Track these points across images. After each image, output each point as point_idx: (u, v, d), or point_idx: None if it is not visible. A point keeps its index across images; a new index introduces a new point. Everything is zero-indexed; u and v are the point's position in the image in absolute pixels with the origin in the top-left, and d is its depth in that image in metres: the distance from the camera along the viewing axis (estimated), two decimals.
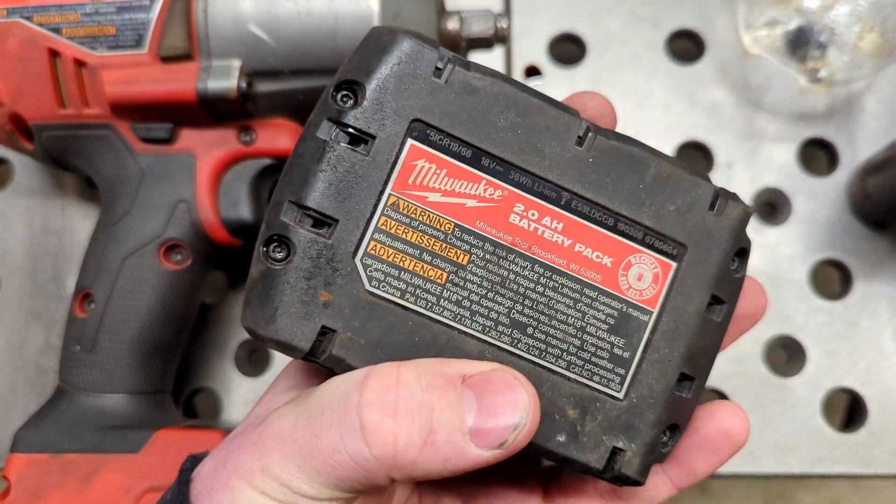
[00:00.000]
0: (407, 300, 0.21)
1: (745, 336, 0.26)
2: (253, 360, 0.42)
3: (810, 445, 0.37)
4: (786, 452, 0.37)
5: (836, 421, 0.39)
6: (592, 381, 0.22)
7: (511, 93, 0.22)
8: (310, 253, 0.21)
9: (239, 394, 0.40)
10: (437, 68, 0.21)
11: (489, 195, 0.22)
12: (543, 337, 0.22)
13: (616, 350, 0.22)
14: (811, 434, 0.37)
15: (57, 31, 0.34)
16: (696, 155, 0.42)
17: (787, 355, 0.40)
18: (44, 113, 0.35)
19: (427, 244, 0.21)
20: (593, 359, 0.22)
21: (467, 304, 0.22)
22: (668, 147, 0.41)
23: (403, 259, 0.21)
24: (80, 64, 0.34)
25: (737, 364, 0.38)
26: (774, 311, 0.39)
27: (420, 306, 0.21)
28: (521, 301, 0.22)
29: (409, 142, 0.21)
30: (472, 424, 0.19)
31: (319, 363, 0.21)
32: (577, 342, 0.22)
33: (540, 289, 0.22)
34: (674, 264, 0.23)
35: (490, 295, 0.22)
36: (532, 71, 0.43)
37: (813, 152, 0.42)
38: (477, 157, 0.22)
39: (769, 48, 0.41)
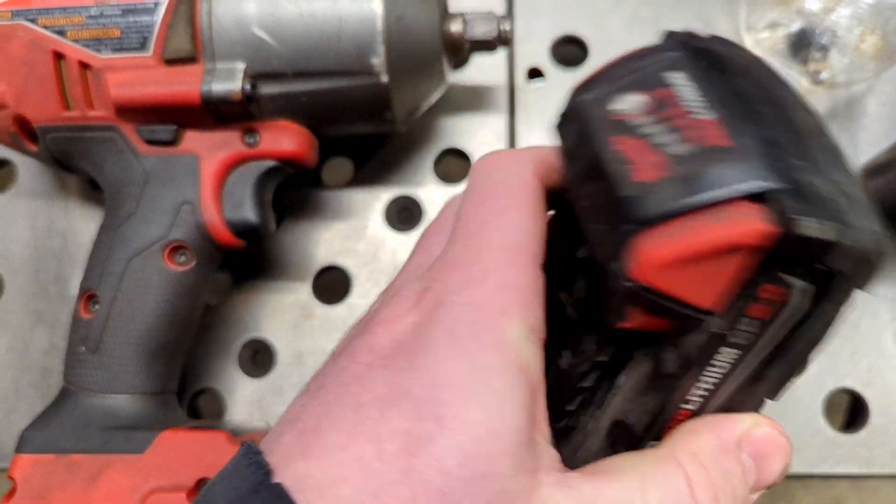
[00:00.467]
0: None
1: None
2: (256, 361, 0.42)
3: (812, 446, 0.37)
4: None
5: (838, 422, 0.39)
6: None
7: None
8: None
9: (242, 395, 0.40)
10: None
11: None
12: None
13: None
14: (813, 435, 0.37)
15: (62, 33, 0.34)
16: None
17: None
18: (48, 115, 0.35)
19: None
20: None
21: None
22: None
23: None
24: (84, 66, 0.34)
25: None
26: None
27: None
28: None
29: None
30: (753, 485, 0.20)
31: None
32: None
33: None
34: None
35: None
36: (534, 73, 0.43)
37: None
38: None
39: (771, 50, 0.41)
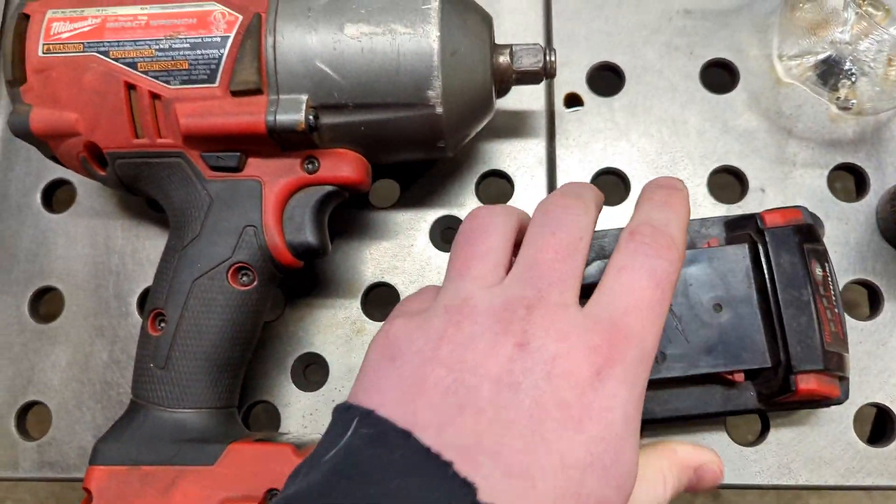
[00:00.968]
0: None
1: None
2: (308, 375, 0.44)
3: (844, 459, 0.39)
4: (820, 465, 0.39)
5: (866, 435, 0.41)
6: None
7: None
8: None
9: (296, 407, 0.42)
10: None
11: None
12: None
13: None
14: (844, 448, 0.39)
15: (133, 65, 0.36)
16: (730, 180, 0.44)
17: None
18: (119, 142, 0.37)
19: None
20: None
21: None
22: (702, 172, 0.43)
23: None
24: (154, 97, 0.36)
25: None
26: None
27: None
28: None
29: None
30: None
31: None
32: None
33: None
34: None
35: None
36: (573, 100, 0.45)
37: (843, 177, 0.44)
38: None
39: (801, 77, 0.43)
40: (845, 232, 0.42)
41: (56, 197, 0.47)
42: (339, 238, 0.44)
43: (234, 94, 0.35)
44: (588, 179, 0.44)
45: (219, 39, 0.36)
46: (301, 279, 0.43)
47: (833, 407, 0.39)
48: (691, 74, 0.45)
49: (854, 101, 0.42)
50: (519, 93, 0.44)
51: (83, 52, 0.36)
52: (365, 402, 0.25)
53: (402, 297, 0.43)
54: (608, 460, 0.22)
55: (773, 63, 0.44)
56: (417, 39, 0.35)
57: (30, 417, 0.44)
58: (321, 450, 0.24)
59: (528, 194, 0.44)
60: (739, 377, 0.35)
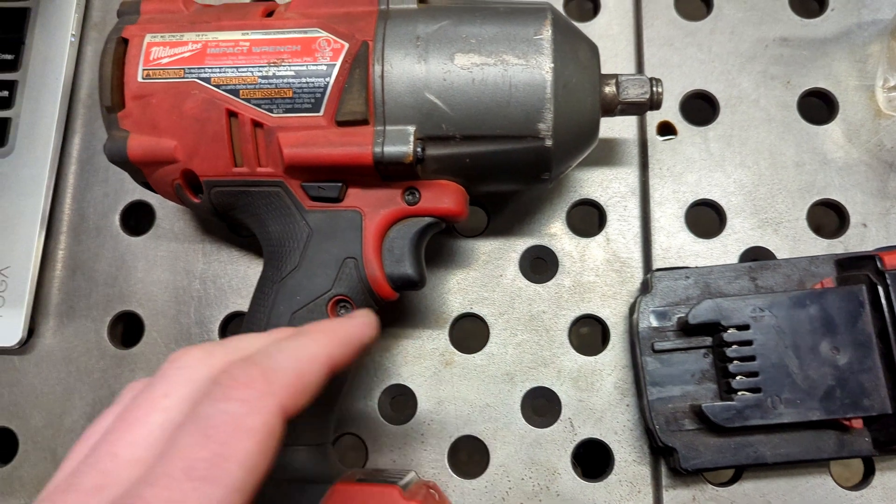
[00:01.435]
0: None
1: None
2: (395, 407, 0.43)
3: None
4: None
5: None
6: None
7: None
8: None
9: (384, 441, 0.41)
10: None
11: None
12: None
13: None
14: None
15: (235, 92, 0.35)
16: (830, 214, 0.43)
17: None
18: (217, 170, 0.36)
19: None
20: None
21: None
22: (801, 205, 0.42)
23: None
24: (256, 125, 0.35)
25: None
26: None
27: None
28: None
29: None
30: None
31: None
32: None
33: None
34: None
35: None
36: (666, 128, 0.44)
37: None
38: None
39: None
40: None
41: (135, 219, 0.46)
42: (426, 267, 0.43)
43: (340, 123, 0.35)
44: (682, 211, 0.43)
45: (324, 68, 0.35)
46: (388, 309, 0.42)
47: None
48: (788, 104, 0.44)
49: None
50: (611, 120, 0.43)
51: (184, 77, 0.36)
52: None
53: (491, 330, 0.42)
54: None
55: (873, 94, 0.43)
56: (530, 71, 0.34)
57: None
58: None
59: (620, 225, 0.43)
60: (858, 423, 0.34)
